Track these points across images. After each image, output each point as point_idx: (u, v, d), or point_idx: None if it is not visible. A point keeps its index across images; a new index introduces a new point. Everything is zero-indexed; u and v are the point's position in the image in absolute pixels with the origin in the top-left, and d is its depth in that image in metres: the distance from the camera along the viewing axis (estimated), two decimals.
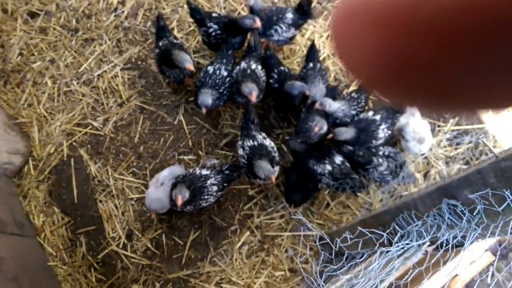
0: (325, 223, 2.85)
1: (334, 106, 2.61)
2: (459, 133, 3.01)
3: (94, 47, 3.28)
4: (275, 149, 2.61)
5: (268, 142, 2.59)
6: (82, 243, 2.91)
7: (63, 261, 2.90)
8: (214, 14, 2.82)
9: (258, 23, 2.64)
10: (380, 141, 2.65)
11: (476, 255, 1.90)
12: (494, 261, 1.94)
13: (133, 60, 3.25)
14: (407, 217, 1.49)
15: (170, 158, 3.03)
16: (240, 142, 2.62)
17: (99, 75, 3.22)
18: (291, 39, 2.93)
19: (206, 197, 2.50)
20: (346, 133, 2.54)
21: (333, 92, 2.87)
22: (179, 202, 2.27)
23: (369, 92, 2.82)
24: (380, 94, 0.26)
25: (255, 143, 2.55)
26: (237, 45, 2.87)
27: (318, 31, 3.24)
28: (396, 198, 2.77)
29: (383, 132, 2.61)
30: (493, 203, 1.06)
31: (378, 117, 2.61)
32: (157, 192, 2.67)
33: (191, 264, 2.83)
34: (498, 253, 2.31)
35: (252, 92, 2.51)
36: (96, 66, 3.25)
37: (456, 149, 2.97)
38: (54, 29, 3.31)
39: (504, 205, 1.03)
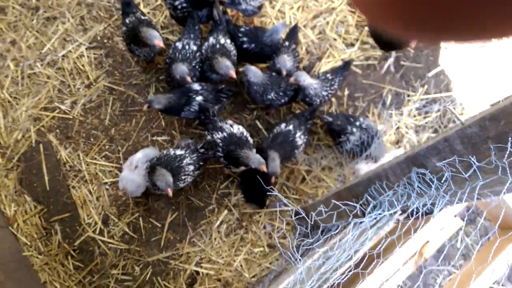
0: (301, 197, 2.87)
1: (308, 81, 2.58)
2: (428, 102, 3.04)
3: (57, 26, 3.13)
4: (245, 133, 2.58)
5: (236, 129, 2.56)
6: (57, 231, 2.85)
7: (39, 251, 2.84)
8: None
9: None
10: (301, 148, 2.71)
11: (446, 221, 1.95)
12: (462, 226, 2.00)
13: (99, 38, 3.12)
14: (378, 188, 1.50)
15: (143, 140, 2.96)
16: (209, 137, 2.57)
17: (63, 55, 3.08)
18: (259, 8, 2.88)
19: (183, 177, 2.47)
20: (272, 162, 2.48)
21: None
22: (170, 193, 2.27)
23: (348, 71, 2.83)
24: (384, 27, 0.28)
25: (225, 134, 2.52)
26: (204, 19, 2.80)
27: (288, 2, 3.18)
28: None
29: (300, 140, 2.64)
30: (460, 170, 1.07)
31: (291, 127, 2.63)
32: (131, 175, 2.62)
33: (170, 246, 2.81)
34: (466, 218, 2.38)
35: (229, 70, 2.49)
36: (60, 46, 3.10)
37: (425, 118, 3.01)
38: (14, 8, 3.13)
39: (470, 172, 1.04)
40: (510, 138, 0.91)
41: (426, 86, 3.06)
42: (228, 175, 2.90)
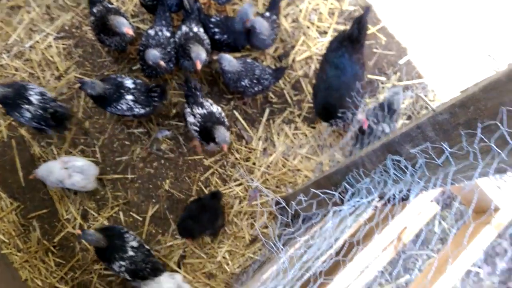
0: (282, 187, 2.88)
1: (229, 65, 2.58)
2: (404, 89, 3.08)
3: (22, 15, 3.01)
4: (223, 114, 2.61)
5: (215, 109, 2.57)
6: (35, 228, 2.78)
7: (18, 248, 2.77)
8: None
9: None
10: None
11: (422, 206, 1.99)
12: (439, 210, 2.05)
13: (67, 28, 3.02)
14: (356, 175, 1.52)
15: (119, 133, 2.90)
16: (188, 110, 2.57)
17: (31, 46, 2.97)
18: None
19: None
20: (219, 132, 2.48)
21: (279, 74, 2.83)
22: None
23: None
24: None
25: (205, 110, 2.51)
26: (174, 8, 2.77)
27: None
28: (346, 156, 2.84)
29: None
30: (433, 156, 1.09)
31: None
32: (56, 169, 2.54)
33: (152, 239, 2.79)
34: (441, 203, 2.45)
35: (198, 59, 2.47)
36: (26, 36, 2.99)
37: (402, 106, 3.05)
38: None
39: (443, 158, 1.05)
40: (479, 124, 0.93)
41: (398, 73, 3.10)
42: (208, 167, 2.88)
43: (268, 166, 2.91)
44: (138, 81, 2.61)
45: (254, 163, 2.90)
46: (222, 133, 2.39)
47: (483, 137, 0.94)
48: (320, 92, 2.62)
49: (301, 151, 2.95)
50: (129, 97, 2.53)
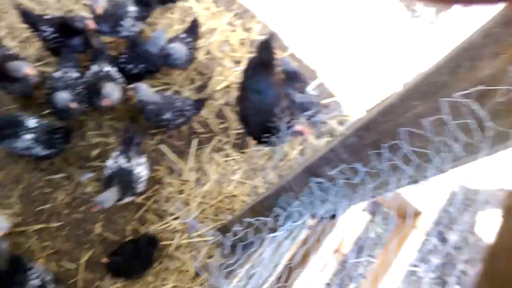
0: (220, 214, 2.87)
1: (147, 96, 2.59)
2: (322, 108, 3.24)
3: None
4: (142, 179, 2.55)
5: (138, 170, 2.51)
6: None
7: None
8: (46, 16, 2.65)
9: (92, 25, 2.55)
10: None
11: (355, 216, 2.10)
12: (370, 218, 2.17)
13: None
14: (286, 199, 1.57)
15: (38, 180, 2.72)
16: (116, 153, 2.50)
17: None
18: (140, 34, 2.85)
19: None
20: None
21: (200, 105, 2.85)
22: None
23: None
24: None
25: (125, 166, 2.46)
26: (79, 48, 2.70)
27: (168, 24, 3.19)
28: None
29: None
30: (351, 176, 1.17)
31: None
32: None
33: (90, 285, 2.61)
34: (373, 210, 2.59)
35: (107, 97, 2.48)
36: None
37: (321, 126, 3.19)
38: None
39: (359, 177, 1.13)
40: (383, 145, 1.02)
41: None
42: (141, 204, 2.78)
43: (204, 196, 2.89)
44: (44, 121, 2.51)
45: (189, 195, 2.86)
46: (104, 195, 2.33)
47: (389, 155, 1.03)
48: (250, 118, 2.65)
49: (235, 177, 2.97)
50: (28, 136, 2.41)
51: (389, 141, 1.01)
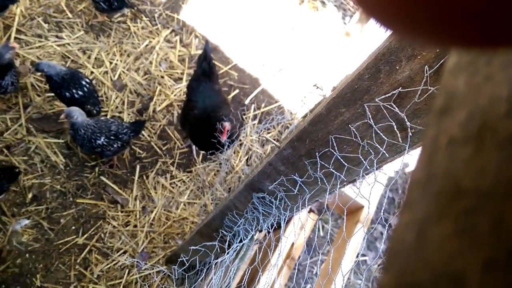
0: (170, 241, 2.76)
1: (79, 119, 2.46)
2: (265, 116, 3.28)
3: None
4: None
5: None
6: None
7: None
8: None
9: None
10: None
11: (303, 219, 2.11)
12: (318, 218, 2.20)
13: None
14: (232, 218, 1.53)
15: None
16: None
17: None
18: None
19: None
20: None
21: (137, 127, 2.71)
22: None
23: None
24: (383, 23, 0.20)
25: None
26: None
27: (104, 48, 3.07)
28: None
29: None
30: (289, 187, 1.16)
31: None
32: None
33: None
34: (315, 209, 2.62)
35: None
36: None
37: (268, 133, 3.22)
38: None
39: (297, 187, 1.13)
40: (317, 153, 1.02)
41: (256, 102, 3.30)
42: (84, 245, 2.60)
43: (151, 225, 2.77)
44: None
45: (135, 226, 2.73)
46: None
47: (323, 163, 1.03)
48: (198, 130, 2.59)
49: (182, 198, 2.88)
50: None
51: (322, 149, 1.01)
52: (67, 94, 2.50)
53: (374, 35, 3.13)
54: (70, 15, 3.12)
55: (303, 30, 3.68)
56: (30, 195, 2.61)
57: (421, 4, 0.16)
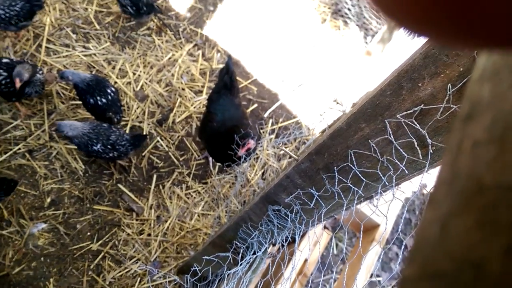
0: (183, 251, 2.77)
1: (71, 131, 2.47)
2: (283, 130, 3.30)
3: None
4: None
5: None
6: None
7: None
8: (4, 60, 2.53)
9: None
10: None
11: (317, 236, 2.09)
12: (332, 236, 2.18)
13: None
14: (246, 229, 1.53)
15: None
16: None
17: None
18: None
19: None
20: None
21: (137, 141, 2.68)
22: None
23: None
24: (399, 23, 0.21)
25: None
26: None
27: (128, 60, 3.14)
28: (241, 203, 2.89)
29: None
30: (306, 200, 1.16)
31: None
32: None
33: None
34: (329, 226, 2.60)
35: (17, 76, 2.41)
36: None
37: (286, 147, 3.23)
38: None
39: (314, 201, 1.13)
40: (335, 167, 1.02)
41: (274, 117, 3.32)
42: (98, 251, 2.63)
43: (165, 234, 2.78)
44: None
45: (149, 234, 2.75)
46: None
47: (341, 178, 1.03)
48: (217, 140, 2.60)
49: (197, 209, 2.90)
50: None
51: (340, 163, 1.01)
52: (91, 100, 2.57)
53: (396, 55, 3.13)
54: (97, 27, 3.22)
55: (324, 48, 3.71)
56: (48, 200, 2.66)
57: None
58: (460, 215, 0.20)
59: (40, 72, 2.61)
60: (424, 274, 0.20)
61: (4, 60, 2.52)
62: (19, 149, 2.73)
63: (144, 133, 2.95)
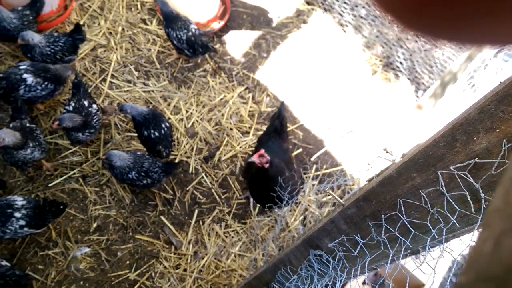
0: None
1: (120, 161, 2.56)
2: (326, 177, 3.27)
3: None
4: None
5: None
6: None
7: None
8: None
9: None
10: None
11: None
12: None
13: None
14: (284, 273, 1.51)
15: (32, 256, 2.63)
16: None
17: None
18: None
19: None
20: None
21: (168, 168, 2.77)
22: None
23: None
24: (404, 25, 0.24)
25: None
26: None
27: (183, 98, 3.32)
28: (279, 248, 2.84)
29: None
30: (350, 247, 1.14)
31: None
32: None
33: None
34: (370, 282, 2.49)
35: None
36: None
37: (328, 195, 3.19)
38: None
39: (358, 248, 1.10)
40: (382, 215, 1.01)
41: (319, 163, 3.32)
42: (134, 281, 2.66)
43: (200, 271, 2.78)
44: (31, 198, 2.46)
45: (185, 269, 2.76)
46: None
47: (388, 227, 1.01)
48: (260, 181, 2.64)
49: (234, 249, 2.88)
50: (18, 214, 2.33)
51: (388, 212, 1.00)
52: (145, 133, 2.71)
53: (447, 111, 3.08)
54: (158, 66, 3.46)
55: (373, 99, 3.73)
56: (94, 225, 2.77)
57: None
58: (510, 234, 0.24)
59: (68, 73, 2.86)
60: (480, 279, 0.25)
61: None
62: (74, 173, 2.90)
63: (176, 161, 3.04)
